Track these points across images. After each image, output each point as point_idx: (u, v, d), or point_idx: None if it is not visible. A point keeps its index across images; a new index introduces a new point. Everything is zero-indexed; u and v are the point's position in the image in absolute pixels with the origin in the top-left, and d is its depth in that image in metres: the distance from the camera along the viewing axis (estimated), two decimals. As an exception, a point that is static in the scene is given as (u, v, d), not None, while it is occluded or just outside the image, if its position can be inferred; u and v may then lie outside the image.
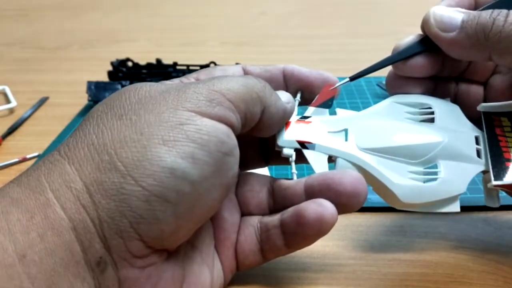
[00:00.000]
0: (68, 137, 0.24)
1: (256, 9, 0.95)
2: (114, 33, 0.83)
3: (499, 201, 0.29)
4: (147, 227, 0.21)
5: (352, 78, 0.30)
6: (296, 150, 0.28)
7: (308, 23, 0.87)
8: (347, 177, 0.25)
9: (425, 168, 0.28)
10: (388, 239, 0.32)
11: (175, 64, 0.59)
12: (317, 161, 0.27)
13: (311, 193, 0.26)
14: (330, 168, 0.27)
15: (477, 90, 0.32)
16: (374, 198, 0.35)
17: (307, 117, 0.29)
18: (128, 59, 0.59)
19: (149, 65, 0.59)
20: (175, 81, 0.28)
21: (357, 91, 0.54)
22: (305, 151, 0.28)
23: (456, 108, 0.30)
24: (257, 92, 0.25)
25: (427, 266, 0.29)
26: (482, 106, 0.30)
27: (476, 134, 0.29)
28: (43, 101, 0.56)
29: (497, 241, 0.31)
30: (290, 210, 0.26)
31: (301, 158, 0.28)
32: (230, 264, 0.27)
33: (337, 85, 0.29)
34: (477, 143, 0.29)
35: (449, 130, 0.29)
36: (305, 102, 0.30)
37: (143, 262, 0.22)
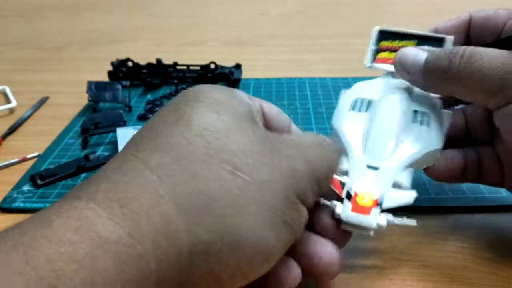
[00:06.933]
0: (168, 156, 0.20)
1: (256, 9, 0.95)
2: (114, 33, 0.83)
3: None
4: None
5: None
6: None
7: (308, 23, 0.87)
8: (324, 252, 0.25)
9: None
10: (388, 239, 0.32)
11: (175, 64, 0.59)
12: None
13: (294, 250, 0.25)
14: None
15: None
16: (374, 198, 0.35)
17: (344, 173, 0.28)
18: (128, 59, 0.59)
19: (149, 65, 0.59)
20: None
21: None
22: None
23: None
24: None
25: (427, 266, 0.29)
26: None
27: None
28: (43, 101, 0.56)
29: (497, 241, 0.31)
30: None
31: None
32: None
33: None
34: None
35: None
36: None
37: None
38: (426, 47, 0.29)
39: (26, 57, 0.73)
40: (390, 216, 0.26)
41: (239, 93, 0.25)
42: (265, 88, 0.57)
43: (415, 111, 0.29)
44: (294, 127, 0.28)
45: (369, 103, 0.30)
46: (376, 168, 0.27)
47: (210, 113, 0.22)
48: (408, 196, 0.27)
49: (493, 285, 0.28)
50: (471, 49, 0.26)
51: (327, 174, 0.25)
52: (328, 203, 0.26)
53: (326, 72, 0.61)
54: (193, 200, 0.19)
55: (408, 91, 0.30)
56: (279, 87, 0.57)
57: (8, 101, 0.56)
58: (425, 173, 0.30)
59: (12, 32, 0.86)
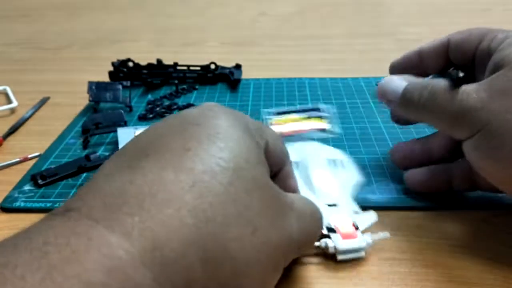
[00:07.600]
0: (205, 201, 0.20)
1: (256, 9, 0.96)
2: (114, 33, 0.83)
3: None
4: None
5: None
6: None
7: (308, 23, 0.87)
8: None
9: None
10: (388, 239, 0.32)
11: (176, 64, 0.59)
12: None
13: None
14: None
15: None
16: (374, 198, 0.35)
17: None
18: (128, 59, 0.60)
19: (149, 65, 0.59)
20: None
21: (356, 91, 0.54)
22: None
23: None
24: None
25: (427, 266, 0.29)
26: None
27: None
28: (44, 101, 0.56)
29: (497, 241, 0.31)
30: None
31: None
32: None
33: None
34: None
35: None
36: None
37: None
38: (406, 76, 0.32)
39: (27, 57, 0.73)
40: (368, 235, 0.30)
41: (253, 130, 0.24)
42: (265, 88, 0.57)
43: (332, 160, 0.37)
44: (287, 167, 0.28)
45: (296, 164, 0.37)
46: (335, 205, 0.33)
47: (241, 158, 0.22)
48: (373, 216, 0.32)
49: (492, 285, 0.28)
50: (435, 83, 0.29)
51: (308, 246, 0.26)
52: (317, 243, 0.30)
53: (326, 72, 0.61)
54: (217, 253, 0.19)
55: (320, 148, 0.39)
56: (279, 87, 0.57)
57: (9, 101, 0.56)
58: (410, 188, 0.35)
59: (13, 32, 0.86)
